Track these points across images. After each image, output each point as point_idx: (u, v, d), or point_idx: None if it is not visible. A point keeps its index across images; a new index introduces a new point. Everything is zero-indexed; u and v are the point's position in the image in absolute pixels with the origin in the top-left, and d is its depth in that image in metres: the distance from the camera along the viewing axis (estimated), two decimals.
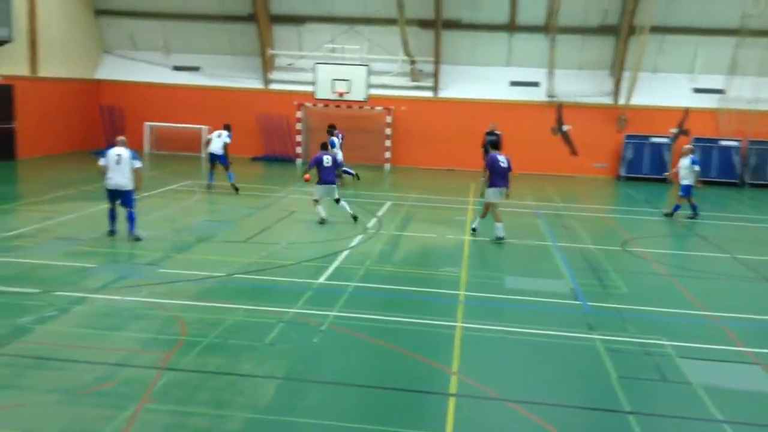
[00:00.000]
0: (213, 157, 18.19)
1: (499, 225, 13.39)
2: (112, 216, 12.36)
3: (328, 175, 14.50)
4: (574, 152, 25.08)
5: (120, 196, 12.12)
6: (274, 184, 20.20)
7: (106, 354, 7.03)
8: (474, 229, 13.94)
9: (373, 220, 15.02)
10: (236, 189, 17.78)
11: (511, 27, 25.30)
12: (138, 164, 12.18)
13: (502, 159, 13.64)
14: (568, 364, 7.50)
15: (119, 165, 11.98)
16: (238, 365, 6.96)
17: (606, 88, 25.15)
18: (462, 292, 9.86)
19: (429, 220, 15.57)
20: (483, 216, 13.76)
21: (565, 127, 24.82)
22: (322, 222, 14.35)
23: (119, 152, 12.04)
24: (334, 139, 19.62)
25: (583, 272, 11.33)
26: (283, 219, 14.91)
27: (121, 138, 12.51)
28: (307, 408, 6.18)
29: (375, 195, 18.82)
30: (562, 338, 8.15)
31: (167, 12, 26.56)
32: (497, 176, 13.46)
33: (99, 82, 26.98)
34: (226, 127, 18.66)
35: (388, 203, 17.49)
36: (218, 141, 18.19)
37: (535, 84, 25.42)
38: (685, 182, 16.75)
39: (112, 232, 12.38)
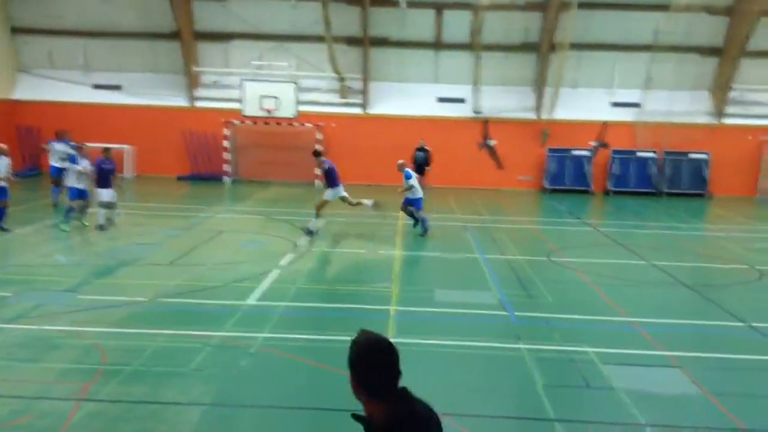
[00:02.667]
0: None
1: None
2: None
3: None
4: (500, 166, 25.65)
5: None
6: (200, 204, 19.82)
7: (21, 387, 6.71)
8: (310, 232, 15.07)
9: (304, 238, 14.92)
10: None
11: (438, 45, 25.76)
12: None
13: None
14: (497, 374, 7.62)
15: None
16: (162, 393, 6.74)
17: (529, 103, 25.89)
18: (393, 307, 9.88)
19: (359, 236, 15.59)
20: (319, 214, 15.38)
21: (492, 142, 25.38)
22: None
23: None
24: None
25: (511, 283, 11.55)
26: (210, 239, 14.64)
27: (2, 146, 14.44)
28: None
29: (306, 213, 18.69)
30: (490, 349, 8.27)
31: (87, 30, 25.85)
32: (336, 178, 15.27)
33: (15, 102, 25.93)
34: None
35: (323, 220, 17.38)
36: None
37: (462, 100, 25.92)
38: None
39: None
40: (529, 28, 25.27)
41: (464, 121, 25.62)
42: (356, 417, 2.72)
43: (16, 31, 26.12)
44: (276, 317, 9.26)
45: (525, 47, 25.63)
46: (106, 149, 15.42)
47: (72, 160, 15.39)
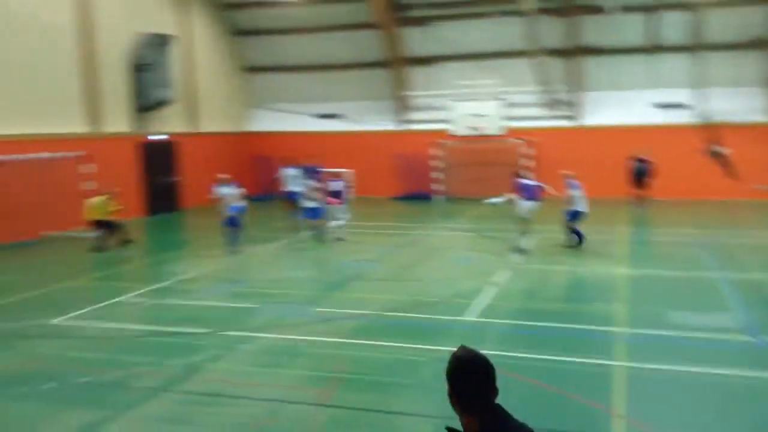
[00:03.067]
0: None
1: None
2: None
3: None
4: (733, 177, 23.34)
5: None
6: (414, 222, 20.48)
7: (271, 390, 7.40)
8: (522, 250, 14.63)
9: (519, 255, 14.77)
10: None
11: (652, 48, 24.37)
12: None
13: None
14: (743, 407, 6.93)
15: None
16: (393, 403, 7.06)
17: (760, 105, 23.48)
18: (619, 329, 9.42)
19: (580, 253, 15.05)
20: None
21: (723, 150, 23.26)
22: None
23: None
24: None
25: (754, 304, 10.47)
26: (426, 256, 15.07)
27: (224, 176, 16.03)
28: None
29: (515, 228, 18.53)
30: (734, 378, 7.55)
31: (308, 65, 28.15)
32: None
33: (250, 134, 28.89)
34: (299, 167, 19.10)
35: (534, 236, 17.15)
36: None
37: (682, 105, 24.17)
38: None
39: None
40: (754, 24, 22.96)
41: (686, 127, 23.82)
42: (451, 430, 2.76)
43: (250, 70, 29.19)
44: (495, 334, 9.28)
45: (752, 45, 23.30)
46: (327, 172, 16.81)
47: (305, 183, 16.57)
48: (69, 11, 19.73)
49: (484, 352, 8.65)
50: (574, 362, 8.07)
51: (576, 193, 15.40)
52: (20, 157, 16.61)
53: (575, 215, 15.42)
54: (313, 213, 16.22)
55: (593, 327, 9.63)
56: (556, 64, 25.07)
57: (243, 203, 16.01)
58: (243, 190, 16.26)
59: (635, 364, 7.87)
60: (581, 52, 24.74)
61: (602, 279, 12.51)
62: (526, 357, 8.29)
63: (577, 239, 15.38)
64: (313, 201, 16.23)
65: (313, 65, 28.15)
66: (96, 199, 16.62)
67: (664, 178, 22.77)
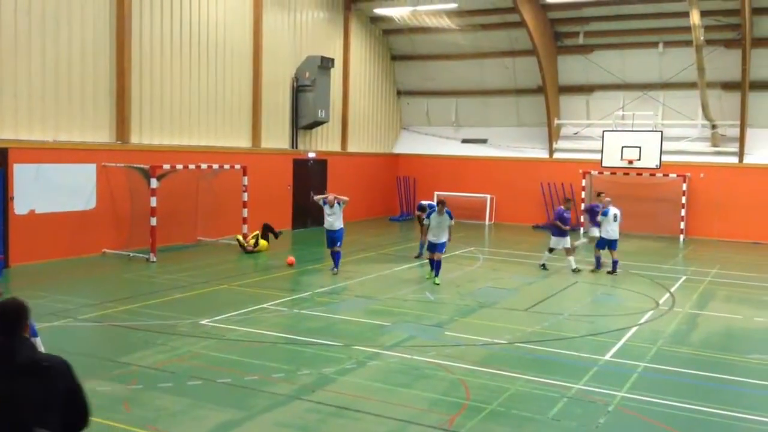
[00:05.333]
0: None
1: None
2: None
3: None
4: None
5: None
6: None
7: (398, 410, 7.44)
8: None
9: (666, 296, 13.94)
10: None
11: None
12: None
13: None
14: None
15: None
16: None
17: None
18: None
19: (733, 299, 13.98)
20: None
21: None
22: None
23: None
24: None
25: None
26: (565, 289, 14.59)
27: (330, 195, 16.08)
28: None
29: (668, 268, 17.50)
30: None
31: (458, 90, 28.33)
32: None
33: (396, 155, 29.50)
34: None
35: (683, 278, 16.15)
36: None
37: None
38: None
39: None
40: None
41: None
42: None
43: (400, 93, 29.88)
44: (634, 377, 8.78)
45: None
46: (567, 200, 17.40)
47: (428, 217, 15.09)
48: (249, 39, 21.39)
49: (622, 394, 8.28)
50: (723, 414, 7.45)
51: (600, 218, 16.30)
52: (191, 166, 18.00)
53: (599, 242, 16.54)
54: (434, 246, 15.15)
55: (743, 379, 8.85)
56: (723, 98, 23.57)
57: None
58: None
59: None
60: (752, 86, 23.02)
61: (758, 329, 11.50)
62: (666, 403, 7.75)
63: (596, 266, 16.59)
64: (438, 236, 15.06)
65: (464, 90, 28.32)
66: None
67: None
